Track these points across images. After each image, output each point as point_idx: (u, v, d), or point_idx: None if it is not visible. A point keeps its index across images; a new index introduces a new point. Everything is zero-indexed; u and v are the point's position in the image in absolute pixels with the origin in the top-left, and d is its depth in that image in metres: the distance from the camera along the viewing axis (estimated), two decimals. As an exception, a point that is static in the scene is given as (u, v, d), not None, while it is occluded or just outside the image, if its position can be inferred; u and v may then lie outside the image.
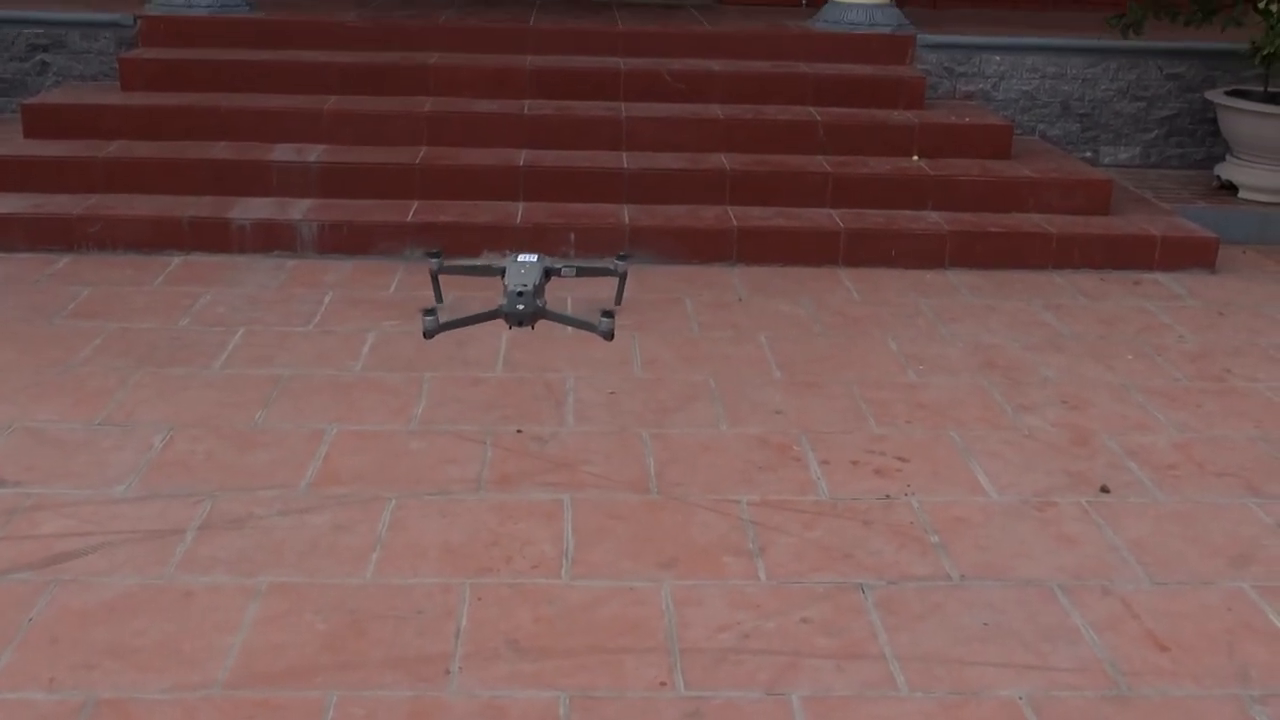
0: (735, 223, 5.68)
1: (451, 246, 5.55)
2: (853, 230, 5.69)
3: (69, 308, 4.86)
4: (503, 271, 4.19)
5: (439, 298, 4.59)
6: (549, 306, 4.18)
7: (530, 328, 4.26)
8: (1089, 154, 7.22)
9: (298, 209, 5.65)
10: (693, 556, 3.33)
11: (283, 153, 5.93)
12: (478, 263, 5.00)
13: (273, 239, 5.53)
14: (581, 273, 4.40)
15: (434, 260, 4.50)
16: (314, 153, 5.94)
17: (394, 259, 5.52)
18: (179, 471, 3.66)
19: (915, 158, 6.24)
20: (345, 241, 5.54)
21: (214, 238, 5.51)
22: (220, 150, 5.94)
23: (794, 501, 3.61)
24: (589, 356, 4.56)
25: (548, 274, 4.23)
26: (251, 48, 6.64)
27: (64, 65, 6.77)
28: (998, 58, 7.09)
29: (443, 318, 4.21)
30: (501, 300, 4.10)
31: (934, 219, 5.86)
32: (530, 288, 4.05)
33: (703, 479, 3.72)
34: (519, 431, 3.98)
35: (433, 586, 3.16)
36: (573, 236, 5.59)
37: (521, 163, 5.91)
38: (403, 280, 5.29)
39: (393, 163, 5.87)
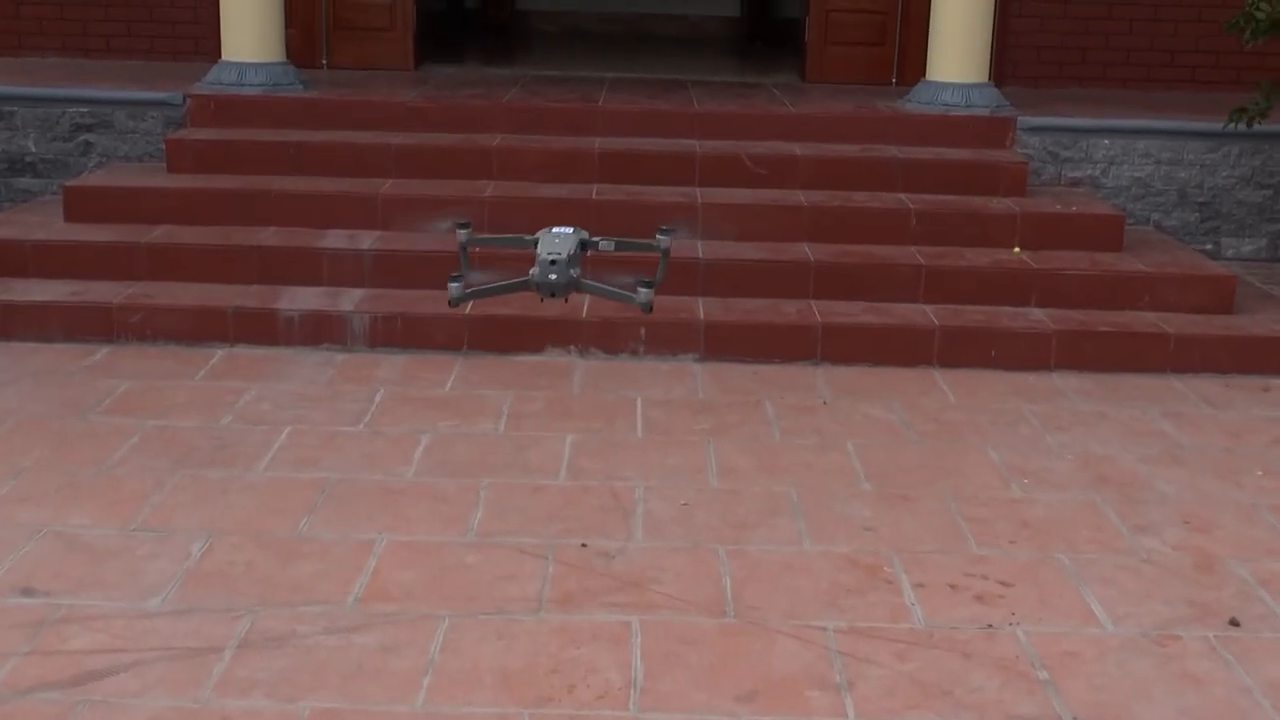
0: (820, 318, 5.70)
1: (513, 342, 5.62)
2: (948, 328, 5.67)
3: (105, 403, 4.96)
4: (535, 243, 4.20)
5: (466, 269, 4.56)
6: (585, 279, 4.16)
7: (564, 300, 4.22)
8: (1209, 246, 7.16)
9: (349, 299, 5.75)
10: (772, 689, 3.28)
11: (334, 239, 6.06)
12: (508, 236, 4.96)
13: (322, 331, 5.63)
14: (621, 248, 4.39)
15: (462, 231, 4.49)
16: (367, 239, 6.06)
17: (450, 354, 5.59)
18: (217, 583, 3.69)
19: (1016, 249, 6.23)
20: (398, 335, 5.62)
21: (260, 329, 5.62)
22: (269, 236, 6.08)
23: (885, 630, 3.56)
24: (661, 463, 4.56)
25: (584, 246, 4.22)
26: (304, 128, 6.82)
27: (109, 146, 6.99)
28: (1107, 141, 7.10)
29: (470, 286, 4.22)
30: (533, 270, 4.10)
31: (1038, 317, 5.83)
32: (564, 256, 4.04)
33: (784, 602, 3.68)
34: (583, 546, 3.97)
35: (489, 716, 3.14)
36: (643, 331, 5.62)
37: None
38: (460, 377, 5.35)
39: (451, 250, 5.92)
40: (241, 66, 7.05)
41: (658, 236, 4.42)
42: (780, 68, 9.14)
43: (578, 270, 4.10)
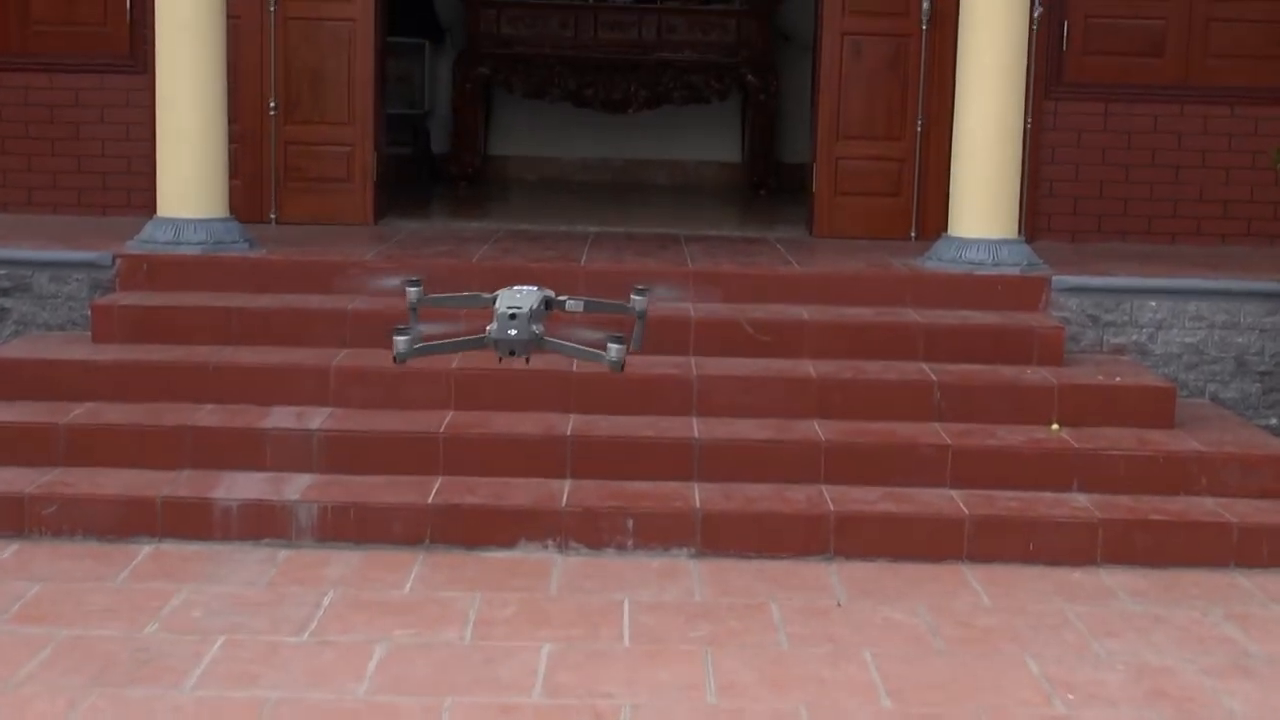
0: (832, 507, 5.73)
1: (481, 535, 5.64)
2: (979, 517, 5.70)
3: (12, 609, 4.94)
4: (494, 300, 4.22)
5: (415, 325, 4.56)
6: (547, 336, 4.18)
7: (525, 360, 4.24)
8: (1273, 421, 7.22)
9: (295, 487, 5.78)
10: None
11: (280, 418, 6.11)
12: (465, 295, 4.98)
13: (264, 524, 5.64)
14: (590, 309, 4.41)
15: (413, 290, 4.51)
16: (317, 418, 6.12)
17: (410, 549, 5.59)
18: (135, 824, 3.65)
19: (1055, 426, 6.29)
20: (351, 527, 5.64)
21: (193, 521, 5.64)
22: (205, 415, 6.13)
23: None
24: (652, 678, 4.54)
25: (548, 305, 4.26)
26: (248, 292, 6.94)
27: (27, 312, 7.08)
28: (1154, 303, 7.21)
29: (420, 341, 4.22)
30: (491, 325, 4.11)
31: (1081, 503, 5.87)
32: (526, 310, 4.07)
33: (794, 843, 3.64)
34: (561, 776, 3.93)
35: None
36: (631, 523, 5.65)
37: (569, 431, 6.05)
38: (420, 577, 5.35)
39: (411, 431, 6.02)
40: (178, 223, 7.18)
41: (633, 297, 4.47)
42: (785, 220, 9.34)
43: (541, 327, 4.14)
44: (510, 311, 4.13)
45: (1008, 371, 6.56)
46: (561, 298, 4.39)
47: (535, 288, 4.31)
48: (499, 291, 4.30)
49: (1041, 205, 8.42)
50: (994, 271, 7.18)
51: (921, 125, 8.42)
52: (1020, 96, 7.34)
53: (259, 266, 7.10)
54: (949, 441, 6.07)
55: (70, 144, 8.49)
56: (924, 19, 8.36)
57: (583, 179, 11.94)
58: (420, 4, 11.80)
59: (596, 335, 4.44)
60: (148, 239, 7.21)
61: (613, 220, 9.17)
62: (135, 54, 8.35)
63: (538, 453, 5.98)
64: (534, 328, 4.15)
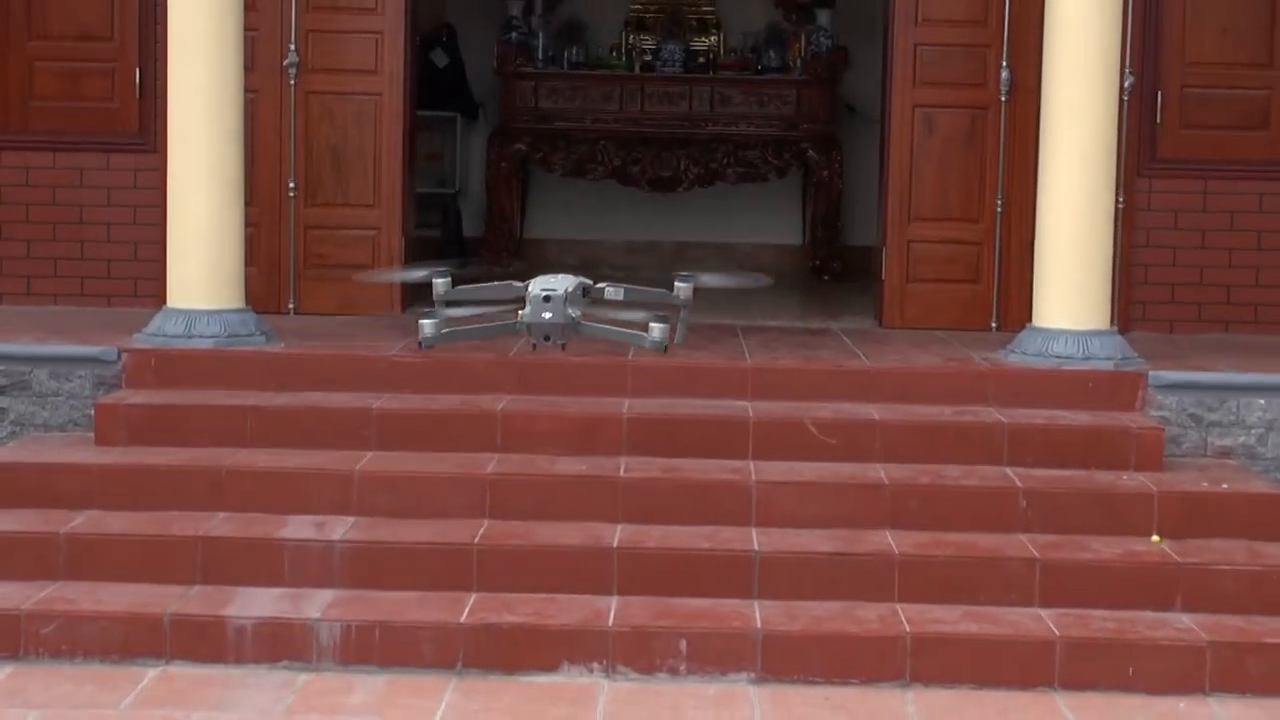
0: (908, 627, 5.71)
1: (520, 658, 5.63)
2: (1071, 640, 5.67)
3: (6, 739, 4.98)
4: (526, 287, 4.29)
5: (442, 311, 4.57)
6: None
7: (560, 346, 4.23)
8: (1399, 532, 7.16)
9: (315, 603, 5.81)
10: None
11: (299, 527, 6.16)
12: (497, 284, 4.97)
13: (281, 644, 5.66)
14: (630, 297, 4.41)
15: (440, 282, 4.52)
16: (340, 527, 6.16)
17: (441, 673, 5.60)
18: None
19: (1155, 538, 6.27)
20: (377, 649, 5.65)
21: (203, 642, 5.66)
22: (218, 524, 6.19)
23: None
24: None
25: (585, 292, 4.28)
26: (266, 389, 7.02)
27: (25, 412, 7.17)
28: (1263, 401, 7.18)
29: (447, 325, 4.23)
30: (524, 310, 4.12)
31: (1186, 624, 5.83)
32: (561, 292, 4.07)
33: None
34: None
35: None
36: (684, 645, 5.64)
37: (616, 543, 6.07)
38: (453, 704, 5.35)
39: (443, 542, 6.05)
40: (190, 314, 7.28)
41: (677, 285, 4.48)
42: (852, 309, 9.39)
43: (578, 312, 4.15)
44: (545, 293, 4.17)
45: (1101, 477, 6.55)
46: (600, 285, 4.43)
47: (571, 275, 4.35)
48: (532, 279, 4.35)
49: (1135, 293, 8.44)
50: (1084, 366, 7.18)
51: (1001, 205, 8.48)
52: (1110, 174, 7.38)
53: (277, 362, 7.19)
54: (1037, 555, 6.05)
55: (73, 228, 8.61)
56: (1003, 90, 8.45)
57: (628, 264, 11.98)
58: (452, 76, 11.99)
59: (636, 316, 4.48)
60: (156, 332, 7.31)
61: (662, 310, 9.23)
62: (145, 131, 8.51)
63: (581, 566, 5.99)
64: (570, 311, 4.18)
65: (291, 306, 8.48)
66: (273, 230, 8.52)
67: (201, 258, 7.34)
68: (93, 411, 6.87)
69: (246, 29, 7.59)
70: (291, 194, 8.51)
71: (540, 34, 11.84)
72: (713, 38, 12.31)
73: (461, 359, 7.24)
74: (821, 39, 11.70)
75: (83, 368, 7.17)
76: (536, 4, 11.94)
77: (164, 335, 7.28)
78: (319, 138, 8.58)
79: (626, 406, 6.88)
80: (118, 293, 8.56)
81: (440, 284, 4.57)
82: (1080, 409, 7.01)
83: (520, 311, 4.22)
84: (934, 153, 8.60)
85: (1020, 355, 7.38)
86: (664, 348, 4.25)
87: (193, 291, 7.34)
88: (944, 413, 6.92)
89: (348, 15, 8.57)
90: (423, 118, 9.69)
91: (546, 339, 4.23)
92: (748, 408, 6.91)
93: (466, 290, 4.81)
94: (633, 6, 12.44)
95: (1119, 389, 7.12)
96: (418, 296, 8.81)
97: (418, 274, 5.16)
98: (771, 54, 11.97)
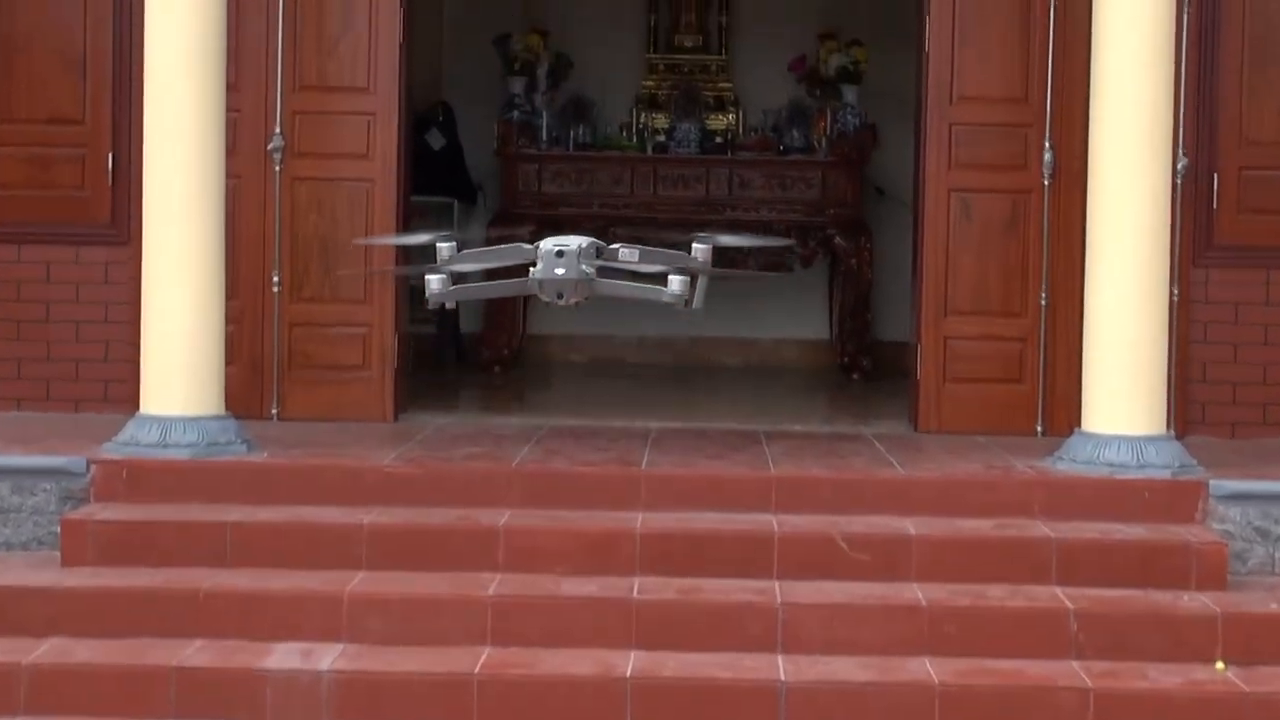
0: (950, 766, 5.68)
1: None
2: (1130, 779, 5.64)
3: None
4: (536, 249, 4.40)
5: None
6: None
7: (574, 306, 4.25)
8: None
9: (301, 741, 5.79)
10: None
11: (283, 656, 6.13)
12: (505, 247, 5.02)
13: (263, 790, 5.65)
14: (646, 258, 4.49)
15: (445, 246, 4.55)
16: (328, 656, 6.14)
17: (438, 818, 5.58)
18: None
19: (1219, 665, 6.23)
20: (368, 792, 5.63)
21: (178, 785, 5.65)
22: (194, 653, 6.16)
23: None
24: None
25: (599, 253, 4.40)
26: (247, 503, 7.01)
27: (-15, 531, 7.18)
28: (1336, 514, 7.17)
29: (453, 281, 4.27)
30: (536, 267, 4.16)
31: (1254, 761, 5.79)
32: (574, 248, 4.18)
33: None
34: None
35: None
36: (704, 785, 5.61)
37: (629, 672, 6.04)
38: None
39: (441, 672, 6.03)
40: (166, 421, 7.30)
41: (695, 246, 4.50)
42: (884, 412, 9.40)
43: (592, 269, 4.20)
44: (558, 248, 4.22)
45: (1160, 597, 6.53)
46: (614, 246, 4.49)
47: (583, 237, 4.42)
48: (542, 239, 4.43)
49: (1193, 393, 8.42)
50: (1139, 475, 7.17)
51: (1046, 298, 8.50)
52: (1164, 263, 7.42)
53: (259, 473, 7.20)
54: (1090, 684, 6.01)
55: (39, 327, 8.61)
56: (1046, 173, 8.49)
57: (641, 362, 12.03)
58: (449, 158, 12.05)
59: (654, 267, 4.51)
60: (129, 441, 7.32)
61: (678, 413, 9.27)
62: (118, 222, 8.53)
63: (591, 698, 5.96)
64: (583, 267, 4.24)
65: (275, 411, 8.48)
66: (255, 327, 8.54)
67: (178, 359, 7.37)
68: (59, 528, 6.86)
69: (228, 110, 7.65)
70: (276, 288, 8.52)
71: (544, 112, 11.94)
72: (731, 116, 12.43)
73: (459, 468, 7.26)
74: (848, 116, 11.79)
75: (48, 480, 7.15)
76: (540, 81, 12.03)
77: (137, 444, 7.29)
78: (306, 227, 8.61)
79: (640, 520, 6.88)
80: (87, 397, 8.56)
81: (445, 248, 4.64)
82: (1135, 522, 6.98)
83: (532, 268, 4.28)
84: (972, 241, 8.61)
85: (1069, 463, 7.38)
86: (686, 303, 4.31)
87: (168, 396, 7.36)
88: (986, 527, 6.90)
89: (337, 95, 8.63)
90: (417, 203, 9.75)
91: (560, 297, 4.29)
92: (772, 521, 6.90)
93: (473, 254, 4.86)
94: (644, 83, 12.57)
95: (1177, 500, 7.10)
96: (411, 402, 8.87)
97: (420, 238, 5.23)
98: (794, 133, 12.05)
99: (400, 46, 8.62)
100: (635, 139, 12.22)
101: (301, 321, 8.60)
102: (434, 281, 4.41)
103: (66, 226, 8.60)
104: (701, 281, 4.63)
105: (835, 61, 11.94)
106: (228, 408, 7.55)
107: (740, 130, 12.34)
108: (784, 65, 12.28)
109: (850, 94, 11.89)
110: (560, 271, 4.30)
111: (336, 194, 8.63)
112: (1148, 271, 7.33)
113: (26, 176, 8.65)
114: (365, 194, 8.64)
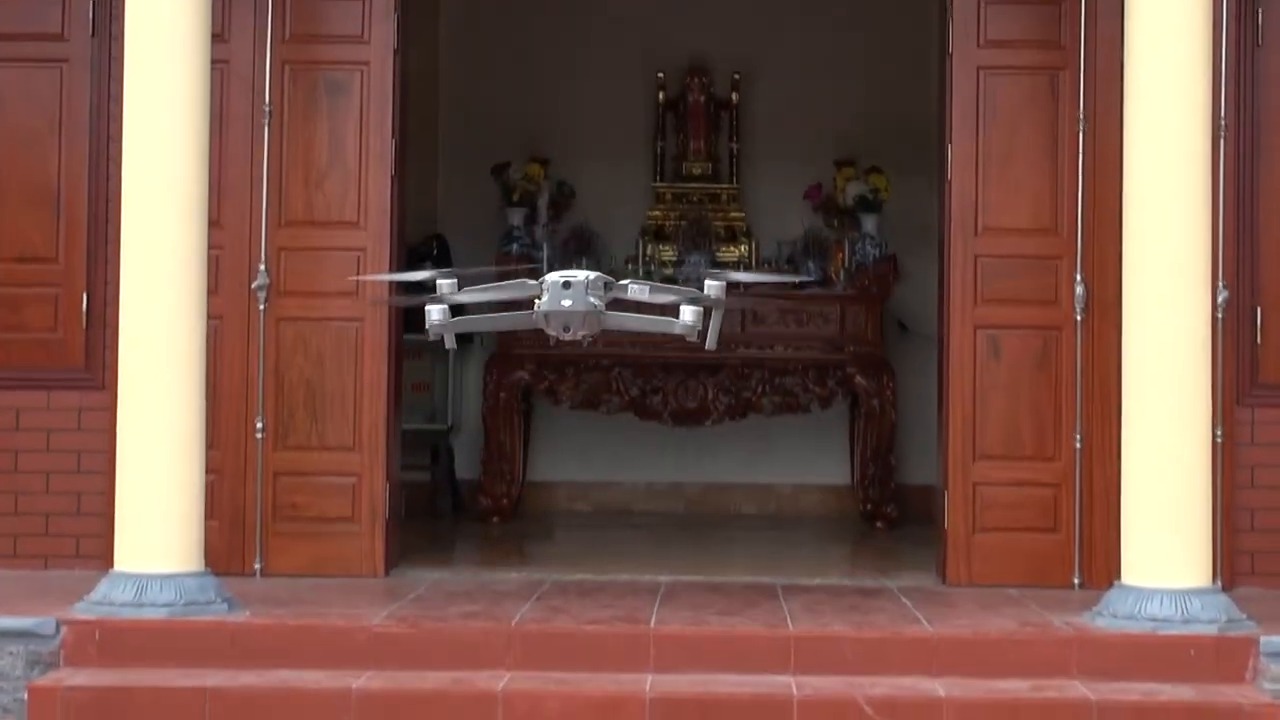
0: None
1: None
2: None
3: None
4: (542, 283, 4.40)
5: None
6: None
7: (581, 341, 4.32)
8: None
9: None
10: None
11: (265, 835, 6.09)
12: (510, 282, 4.96)
13: None
14: (656, 294, 4.54)
15: (446, 283, 4.55)
16: (313, 834, 6.08)
17: None
18: None
19: (1276, 843, 6.17)
20: None
21: None
22: (169, 832, 6.12)
23: None
24: None
25: (607, 287, 4.41)
26: (228, 666, 6.96)
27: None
28: (1395, 666, 7.11)
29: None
30: (541, 299, 4.25)
31: None
32: (582, 280, 4.24)
33: None
34: None
35: None
36: None
37: None
38: None
39: None
40: (141, 579, 7.26)
41: (708, 283, 4.49)
42: (909, 563, 9.36)
43: (600, 302, 4.19)
44: (564, 279, 4.23)
45: (1209, 765, 6.48)
46: (624, 281, 4.50)
47: (589, 271, 4.45)
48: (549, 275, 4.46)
49: (1241, 542, 8.37)
50: (1184, 631, 7.12)
51: (1081, 441, 8.49)
52: (1206, 403, 7.41)
53: (241, 634, 7.15)
54: None
55: (6, 477, 8.58)
56: (1078, 307, 8.50)
57: (649, 510, 12.00)
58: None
59: (667, 298, 4.52)
60: (101, 600, 7.28)
61: (689, 565, 9.23)
62: (92, 366, 8.55)
63: None
64: (591, 299, 4.25)
65: (258, 566, 8.45)
66: (237, 477, 8.53)
67: (155, 512, 7.34)
68: (25, 696, 6.82)
69: (210, 247, 7.69)
70: (259, 435, 8.53)
71: (545, 245, 11.94)
72: (743, 247, 12.42)
73: (455, 628, 7.22)
74: (868, 247, 11.80)
75: (14, 643, 7.09)
76: (541, 212, 12.07)
77: (110, 604, 7.25)
78: (291, 370, 8.62)
79: (649, 684, 6.83)
80: (57, 553, 8.53)
81: (445, 285, 4.64)
82: (1181, 682, 6.93)
83: (538, 301, 4.30)
84: (1001, 380, 8.61)
85: (1109, 618, 7.32)
86: (697, 332, 4.31)
87: (144, 552, 7.33)
88: (1022, 688, 6.84)
89: (326, 230, 8.67)
90: (410, 343, 9.74)
91: (566, 330, 4.30)
92: (791, 684, 6.85)
93: (476, 290, 4.86)
94: (650, 213, 12.58)
95: (1225, 657, 7.04)
96: (404, 556, 8.84)
97: (419, 275, 5.25)
98: (811, 265, 12.05)
99: (392, 179, 8.68)
100: (641, 273, 12.24)
101: (286, 471, 8.58)
102: (434, 312, 4.44)
103: (38, 370, 8.60)
104: (715, 318, 4.66)
105: (853, 190, 11.97)
106: (208, 563, 7.51)
107: (753, 262, 12.35)
108: (799, 194, 12.29)
109: (870, 223, 11.90)
110: (567, 303, 4.33)
111: (324, 334, 8.64)
112: (1189, 412, 7.32)
113: (-5, 317, 8.67)
114: (354, 334, 8.65)
